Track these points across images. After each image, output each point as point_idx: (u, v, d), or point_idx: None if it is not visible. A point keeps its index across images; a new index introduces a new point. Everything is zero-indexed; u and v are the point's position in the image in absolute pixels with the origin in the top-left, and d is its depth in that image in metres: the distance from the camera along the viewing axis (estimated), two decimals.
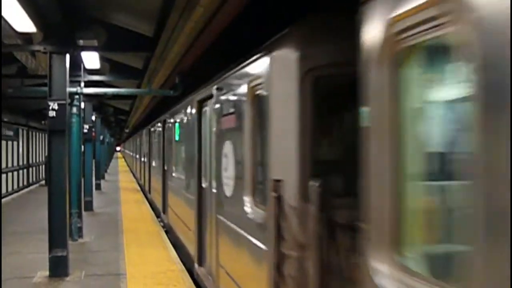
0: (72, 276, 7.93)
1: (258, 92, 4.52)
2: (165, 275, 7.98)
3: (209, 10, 5.61)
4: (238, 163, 5.24)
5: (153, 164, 17.05)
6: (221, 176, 6.00)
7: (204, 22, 6.17)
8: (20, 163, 23.12)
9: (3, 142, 19.83)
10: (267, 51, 4.21)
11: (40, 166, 27.69)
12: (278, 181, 3.77)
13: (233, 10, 5.55)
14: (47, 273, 7.87)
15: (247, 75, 4.85)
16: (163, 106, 14.95)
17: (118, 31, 8.98)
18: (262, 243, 4.20)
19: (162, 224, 13.12)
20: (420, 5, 1.94)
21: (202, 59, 8.65)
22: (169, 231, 11.72)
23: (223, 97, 6.01)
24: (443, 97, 2.23)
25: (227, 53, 6.90)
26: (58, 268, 7.85)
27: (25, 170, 24.09)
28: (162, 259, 9.08)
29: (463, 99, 1.74)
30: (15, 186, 22.02)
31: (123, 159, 65.32)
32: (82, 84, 11.19)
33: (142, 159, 23.09)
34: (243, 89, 4.94)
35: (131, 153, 38.42)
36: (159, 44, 8.46)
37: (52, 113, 7.75)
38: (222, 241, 6.01)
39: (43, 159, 28.04)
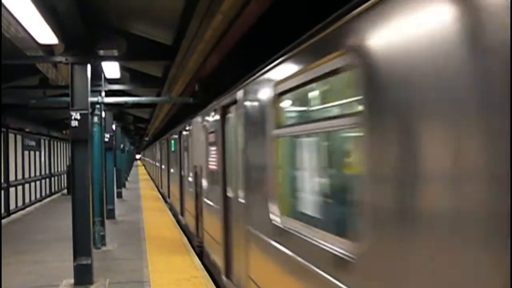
0: (97, 284, 7.98)
1: None
2: (189, 282, 7.99)
3: (229, 16, 5.64)
4: None
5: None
6: None
7: (224, 29, 6.20)
8: (43, 172, 23.40)
9: (26, 152, 20.11)
10: None
11: (62, 176, 27.97)
12: None
13: (253, 15, 5.57)
14: (72, 281, 7.95)
15: None
16: (185, 113, 15.02)
17: (137, 41, 9.05)
18: None
19: None
20: None
21: (221, 66, 8.69)
22: None
23: None
24: None
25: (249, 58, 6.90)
26: (83, 276, 7.90)
27: (47, 180, 24.37)
28: (186, 266, 9.10)
29: None
30: (38, 196, 22.29)
31: (143, 167, 65.83)
32: (103, 93, 11.31)
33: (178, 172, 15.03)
34: None
35: (156, 163, 30.70)
36: (179, 52, 8.52)
37: (74, 123, 7.83)
38: None
39: (64, 168, 28.34)
